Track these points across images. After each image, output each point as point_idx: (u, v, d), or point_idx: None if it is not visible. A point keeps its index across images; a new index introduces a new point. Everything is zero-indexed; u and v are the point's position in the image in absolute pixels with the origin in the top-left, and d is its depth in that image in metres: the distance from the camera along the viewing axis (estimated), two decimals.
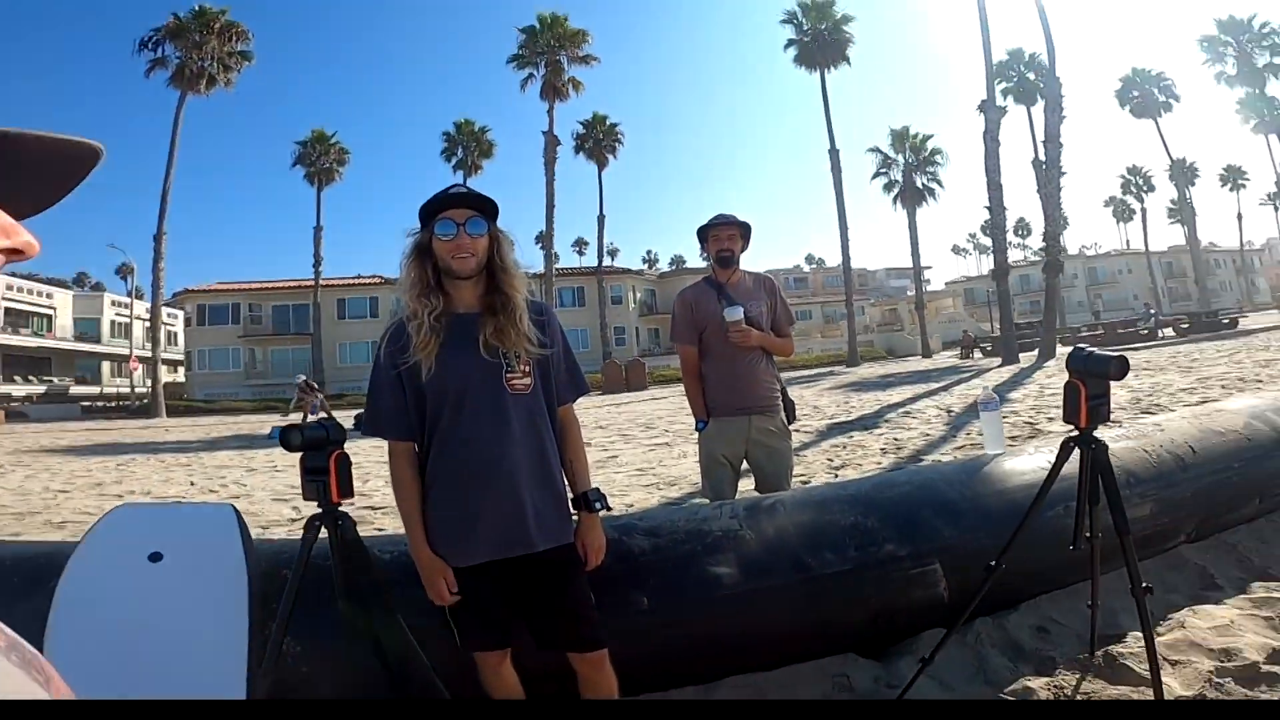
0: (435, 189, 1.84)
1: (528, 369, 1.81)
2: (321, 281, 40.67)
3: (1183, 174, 53.02)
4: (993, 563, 2.16)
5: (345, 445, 1.84)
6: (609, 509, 1.95)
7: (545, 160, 35.31)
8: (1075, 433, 2.14)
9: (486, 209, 1.80)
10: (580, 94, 36.59)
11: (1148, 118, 48.01)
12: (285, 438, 1.73)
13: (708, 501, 3.14)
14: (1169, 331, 29.83)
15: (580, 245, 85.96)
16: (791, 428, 3.35)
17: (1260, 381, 9.80)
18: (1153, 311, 33.68)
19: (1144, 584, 1.94)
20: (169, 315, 48.93)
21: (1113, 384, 2.10)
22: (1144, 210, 63.59)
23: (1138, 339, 27.97)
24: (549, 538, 1.79)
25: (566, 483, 1.91)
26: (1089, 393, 2.02)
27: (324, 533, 1.80)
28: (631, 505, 5.69)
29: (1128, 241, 73.06)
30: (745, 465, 3.26)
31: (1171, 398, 8.95)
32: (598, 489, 1.92)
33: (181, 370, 47.54)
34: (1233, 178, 63.52)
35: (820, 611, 2.40)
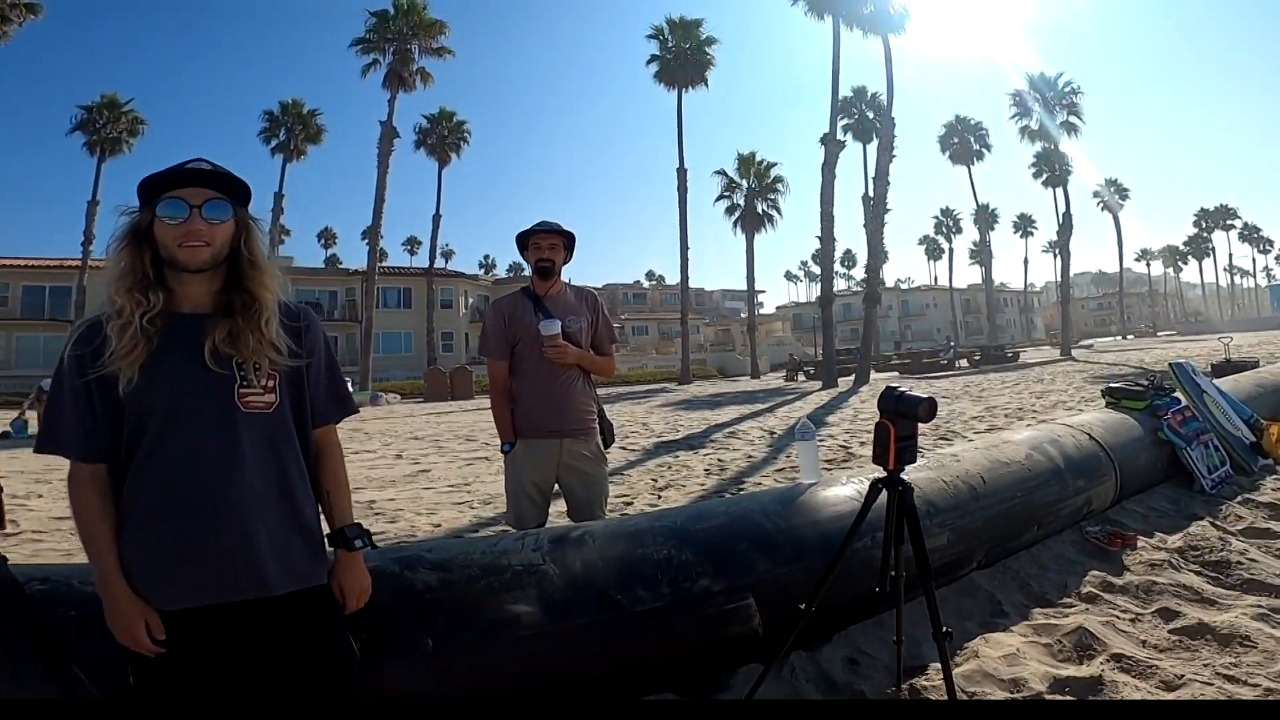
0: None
1: (271, 384, 1.50)
2: (91, 262, 33.88)
3: (985, 219, 58.80)
4: (802, 606, 2.09)
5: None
6: (373, 546, 1.67)
7: (380, 151, 33.27)
8: (884, 474, 2.11)
9: (234, 190, 1.48)
10: (429, 87, 34.72)
11: (963, 164, 52.11)
12: None
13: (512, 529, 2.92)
14: (964, 363, 33.17)
15: (412, 245, 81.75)
16: (618, 446, 3.19)
17: (1035, 411, 10.97)
18: (952, 344, 37.16)
19: (944, 628, 1.93)
20: None
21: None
22: (951, 250, 70.63)
23: (939, 369, 30.83)
24: (293, 579, 1.49)
25: (324, 518, 1.62)
26: (898, 434, 2.00)
27: None
28: (440, 525, 5.36)
29: (935, 278, 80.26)
30: (557, 489, 3.06)
31: (965, 424, 9.78)
32: (359, 524, 1.64)
33: None
34: (1024, 225, 71.90)
35: (631, 652, 2.26)
